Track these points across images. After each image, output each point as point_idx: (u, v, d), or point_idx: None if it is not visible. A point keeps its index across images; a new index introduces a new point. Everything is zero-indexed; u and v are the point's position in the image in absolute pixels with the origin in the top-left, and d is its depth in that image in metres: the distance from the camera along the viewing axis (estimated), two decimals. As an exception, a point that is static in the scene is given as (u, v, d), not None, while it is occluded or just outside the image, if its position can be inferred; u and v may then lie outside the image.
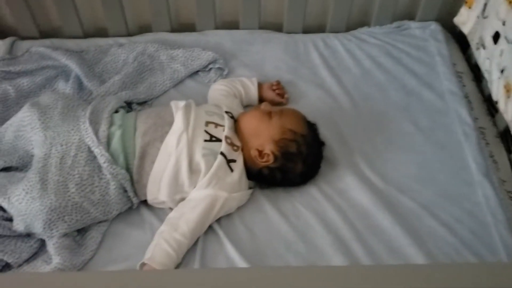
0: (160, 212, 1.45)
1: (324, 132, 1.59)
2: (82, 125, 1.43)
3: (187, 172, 1.40)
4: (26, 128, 1.45)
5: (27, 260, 1.36)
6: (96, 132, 1.42)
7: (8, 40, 1.88)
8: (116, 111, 1.53)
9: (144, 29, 1.99)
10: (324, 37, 1.96)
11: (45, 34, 1.95)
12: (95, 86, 1.70)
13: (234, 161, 1.45)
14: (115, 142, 1.42)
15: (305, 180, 1.51)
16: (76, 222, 1.37)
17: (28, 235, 1.38)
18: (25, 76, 1.73)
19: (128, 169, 1.41)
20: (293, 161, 1.46)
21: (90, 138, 1.40)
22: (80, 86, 1.72)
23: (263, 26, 2.00)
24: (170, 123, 1.46)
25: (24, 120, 1.46)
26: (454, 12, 1.89)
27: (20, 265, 1.34)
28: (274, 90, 1.72)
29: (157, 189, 1.41)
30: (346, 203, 1.48)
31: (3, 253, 1.33)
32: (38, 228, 1.34)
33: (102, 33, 1.97)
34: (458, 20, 1.87)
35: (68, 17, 1.90)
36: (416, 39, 1.95)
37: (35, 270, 1.32)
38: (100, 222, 1.42)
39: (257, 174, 1.48)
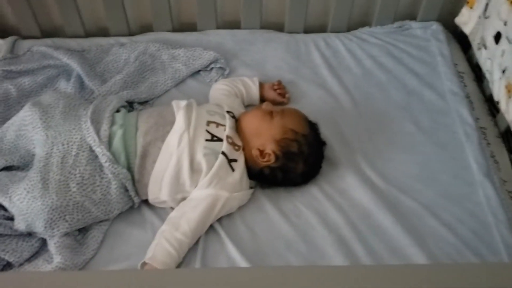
0: (161, 212, 1.46)
1: (325, 132, 1.59)
2: (83, 125, 1.43)
3: (189, 171, 1.40)
4: (28, 127, 1.45)
5: (28, 259, 1.36)
6: (97, 132, 1.42)
7: (10, 39, 1.88)
8: (118, 111, 1.53)
9: (146, 28, 1.99)
10: (325, 37, 1.96)
11: (46, 33, 1.95)
12: (97, 85, 1.70)
13: (235, 160, 1.45)
14: (117, 142, 1.42)
15: (306, 180, 1.51)
16: (78, 222, 1.37)
17: (29, 234, 1.38)
18: (27, 75, 1.73)
19: (129, 169, 1.41)
20: (294, 161, 1.46)
21: (91, 138, 1.40)
22: (81, 85, 1.72)
23: (265, 26, 2.00)
24: (172, 123, 1.46)
25: (26, 119, 1.46)
26: (456, 12, 1.89)
27: (21, 264, 1.34)
28: (275, 89, 1.72)
29: (158, 188, 1.41)
30: (347, 203, 1.48)
31: (4, 252, 1.33)
32: (39, 227, 1.34)
33: (103, 32, 1.97)
34: (460, 20, 1.87)
35: (69, 16, 1.90)
36: (417, 39, 1.95)
37: (36, 269, 1.33)
38: (101, 221, 1.43)
39: (258, 174, 1.48)
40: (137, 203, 1.45)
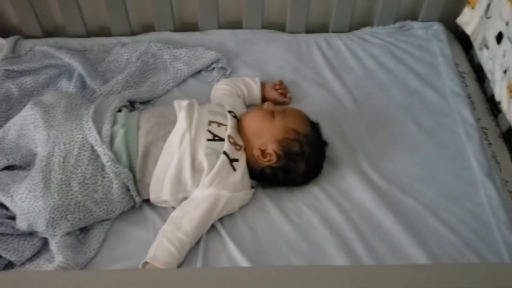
0: (162, 211, 1.46)
1: (327, 132, 1.59)
2: (85, 124, 1.43)
3: (190, 171, 1.40)
4: (29, 126, 1.46)
5: (30, 259, 1.36)
6: (99, 131, 1.42)
7: (12, 39, 1.88)
8: (119, 110, 1.53)
9: (147, 28, 1.99)
10: (327, 37, 1.96)
11: (48, 33, 1.96)
12: (98, 85, 1.71)
13: (236, 160, 1.45)
14: (118, 141, 1.42)
15: (307, 179, 1.51)
16: (79, 221, 1.37)
17: (31, 234, 1.38)
18: (29, 75, 1.73)
19: (131, 168, 1.42)
20: (295, 161, 1.46)
21: (93, 137, 1.40)
22: (83, 85, 1.72)
23: (266, 26, 2.00)
24: (173, 122, 1.46)
25: (27, 118, 1.46)
26: (457, 12, 1.89)
27: (22, 264, 1.35)
28: (277, 89, 1.72)
29: (160, 188, 1.42)
30: (348, 202, 1.48)
31: (6, 251, 1.33)
32: (41, 227, 1.34)
33: (105, 32, 1.97)
34: (461, 20, 1.87)
35: (71, 16, 1.90)
36: (418, 39, 1.95)
37: (38, 268, 1.33)
38: (103, 221, 1.43)
39: (260, 174, 1.48)
40: (138, 203, 1.45)
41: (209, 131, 1.46)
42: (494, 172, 1.55)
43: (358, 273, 0.85)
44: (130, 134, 1.44)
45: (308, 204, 1.47)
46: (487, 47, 1.69)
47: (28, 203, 1.33)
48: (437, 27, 1.97)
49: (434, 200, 1.49)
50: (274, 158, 1.45)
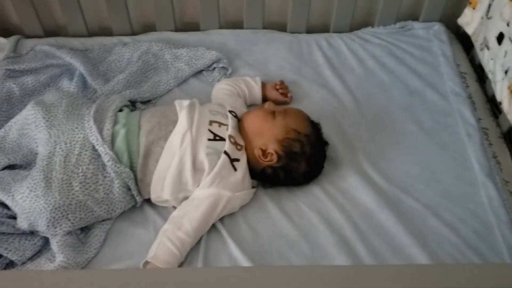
0: (163, 211, 1.46)
1: (328, 132, 1.59)
2: (86, 124, 1.43)
3: (191, 171, 1.40)
4: (31, 126, 1.46)
5: (31, 258, 1.36)
6: (100, 131, 1.42)
7: (13, 39, 1.88)
8: (121, 110, 1.53)
9: (148, 28, 1.99)
10: (327, 37, 1.96)
11: (49, 32, 1.96)
12: (100, 84, 1.71)
13: (237, 160, 1.45)
14: (120, 141, 1.42)
15: (308, 179, 1.51)
16: (80, 220, 1.37)
17: (32, 233, 1.38)
18: (30, 74, 1.73)
19: (132, 168, 1.42)
20: (296, 161, 1.46)
21: (94, 137, 1.40)
22: (84, 84, 1.73)
23: (267, 26, 2.00)
24: (174, 122, 1.46)
25: (29, 118, 1.46)
26: (458, 12, 1.89)
27: (23, 263, 1.35)
28: (277, 89, 1.72)
29: (160, 187, 1.42)
30: (349, 202, 1.48)
31: (7, 250, 1.33)
32: (42, 226, 1.34)
33: (106, 32, 1.97)
34: (462, 20, 1.87)
35: (72, 15, 1.91)
36: (419, 40, 1.95)
37: (39, 268, 1.33)
38: (103, 220, 1.43)
39: (261, 174, 1.48)
40: (139, 202, 1.45)
41: (210, 131, 1.46)
42: (494, 172, 1.55)
43: (359, 273, 0.85)
44: (131, 133, 1.44)
45: (309, 204, 1.47)
46: (488, 48, 1.69)
47: (29, 202, 1.33)
48: (438, 27, 1.97)
49: (434, 200, 1.49)
50: (275, 158, 1.45)
